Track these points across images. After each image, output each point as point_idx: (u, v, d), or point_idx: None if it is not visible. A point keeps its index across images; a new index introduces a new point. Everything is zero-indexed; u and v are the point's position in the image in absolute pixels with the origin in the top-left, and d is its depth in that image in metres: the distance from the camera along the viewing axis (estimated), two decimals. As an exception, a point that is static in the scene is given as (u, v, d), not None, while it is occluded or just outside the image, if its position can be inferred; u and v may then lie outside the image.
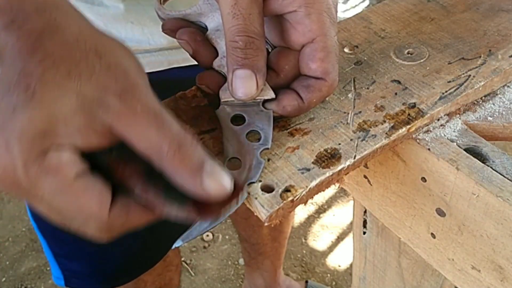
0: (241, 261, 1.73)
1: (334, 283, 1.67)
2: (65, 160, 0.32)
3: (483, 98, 0.47)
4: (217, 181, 0.33)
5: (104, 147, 0.33)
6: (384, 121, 0.42)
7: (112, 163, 0.34)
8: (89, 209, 0.33)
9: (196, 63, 0.44)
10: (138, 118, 0.32)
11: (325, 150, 0.40)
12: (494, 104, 0.46)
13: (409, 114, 0.43)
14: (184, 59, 0.72)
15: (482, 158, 0.41)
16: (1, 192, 1.96)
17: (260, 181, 0.38)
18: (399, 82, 0.46)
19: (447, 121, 0.44)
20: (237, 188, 0.35)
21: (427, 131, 0.43)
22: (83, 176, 0.33)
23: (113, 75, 0.33)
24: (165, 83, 0.71)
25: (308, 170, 0.39)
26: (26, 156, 0.31)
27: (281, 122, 0.43)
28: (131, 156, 0.33)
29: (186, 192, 0.33)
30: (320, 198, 1.92)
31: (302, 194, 0.37)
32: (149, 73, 0.80)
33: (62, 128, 0.31)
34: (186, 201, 0.33)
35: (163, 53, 0.72)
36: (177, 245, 0.36)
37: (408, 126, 0.42)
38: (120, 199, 0.34)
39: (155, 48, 0.71)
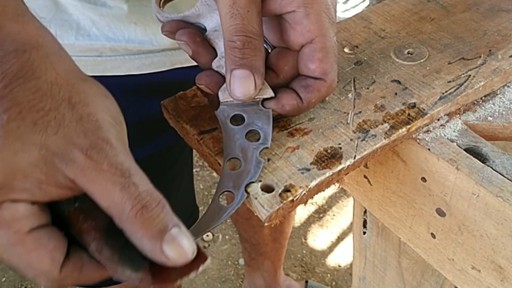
0: (241, 261, 1.73)
1: (334, 283, 1.67)
2: (19, 215, 0.31)
3: (483, 98, 0.47)
4: (179, 247, 0.32)
5: (67, 198, 0.33)
6: (384, 121, 0.42)
7: (72, 214, 0.33)
8: (39, 265, 0.32)
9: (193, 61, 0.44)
10: (102, 175, 0.31)
11: (325, 150, 0.40)
12: (494, 104, 0.46)
13: (409, 114, 0.43)
14: (187, 59, 0.72)
15: (482, 158, 0.40)
16: None
17: (260, 181, 0.38)
18: (399, 82, 0.46)
19: (447, 121, 0.44)
20: (201, 257, 0.33)
21: (427, 131, 0.43)
22: (37, 231, 0.32)
23: (82, 129, 0.32)
24: (168, 84, 0.71)
25: (308, 170, 0.39)
26: None
27: (281, 122, 0.43)
28: (93, 208, 0.32)
29: (144, 254, 0.32)
30: (320, 198, 1.92)
31: (302, 194, 0.37)
32: (152, 74, 0.80)
33: (20, 182, 0.31)
34: (142, 263, 0.32)
35: (166, 53, 0.72)
36: None
37: (408, 126, 0.42)
38: (74, 254, 0.33)
39: (158, 48, 0.71)
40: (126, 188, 0.31)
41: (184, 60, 0.73)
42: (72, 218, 0.33)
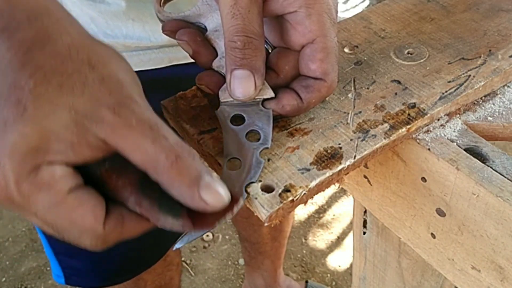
0: (241, 261, 1.73)
1: (334, 283, 1.67)
2: (58, 176, 0.32)
3: (483, 98, 0.47)
4: (215, 192, 0.33)
5: (98, 159, 0.33)
6: (384, 121, 0.42)
7: (105, 174, 0.34)
8: (83, 223, 0.33)
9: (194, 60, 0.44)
10: (133, 130, 0.32)
11: (325, 150, 0.40)
12: (494, 104, 0.46)
13: (409, 114, 0.43)
14: (185, 56, 0.72)
15: (482, 158, 0.41)
16: None
17: (260, 181, 0.38)
18: (399, 82, 0.46)
19: (447, 121, 0.44)
20: (233, 199, 0.34)
21: (427, 131, 0.43)
22: (77, 190, 0.32)
23: (107, 88, 0.32)
24: (166, 80, 0.71)
25: (308, 170, 0.39)
26: (17, 173, 0.30)
27: (281, 122, 0.43)
28: (125, 166, 0.33)
29: (182, 202, 0.33)
30: (320, 198, 1.92)
31: (302, 194, 0.37)
32: (150, 70, 0.80)
33: (54, 144, 0.31)
34: (180, 211, 0.33)
35: (164, 50, 0.73)
36: (177, 247, 0.36)
37: (408, 126, 0.42)
38: (114, 210, 0.34)
39: (156, 45, 0.71)
40: (158, 140, 0.32)
41: (182, 57, 0.73)
42: (105, 178, 0.34)
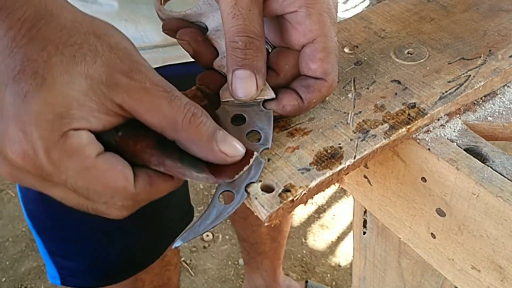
0: (241, 261, 1.73)
1: (334, 283, 1.67)
2: (85, 141, 0.33)
3: (483, 98, 0.47)
4: (231, 144, 0.35)
5: (114, 125, 0.34)
6: (384, 121, 0.42)
7: (120, 142, 0.35)
8: (115, 184, 0.34)
9: (190, 60, 0.44)
10: (148, 93, 0.33)
11: (325, 150, 0.40)
12: (494, 104, 0.47)
13: (409, 114, 0.43)
14: (179, 56, 0.73)
15: (482, 158, 0.41)
16: (2, 192, 1.96)
17: (260, 181, 0.38)
18: (399, 82, 0.46)
19: (447, 121, 0.44)
20: (248, 153, 0.36)
21: (427, 131, 0.43)
22: (104, 154, 0.34)
23: (117, 55, 0.34)
24: None
25: (308, 170, 0.39)
26: (46, 140, 0.31)
27: (281, 122, 0.43)
28: (138, 132, 0.35)
29: (203, 158, 0.35)
30: (320, 198, 1.92)
31: (302, 194, 0.37)
32: None
33: (77, 110, 0.32)
34: (202, 165, 0.35)
35: (158, 50, 0.73)
36: (176, 245, 0.36)
37: (408, 126, 0.42)
38: (140, 171, 0.35)
39: (149, 45, 0.71)
40: (173, 100, 0.34)
41: (176, 56, 0.73)
42: (121, 145, 0.35)
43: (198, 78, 0.43)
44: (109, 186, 0.34)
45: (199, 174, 0.35)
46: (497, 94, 0.48)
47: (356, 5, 2.84)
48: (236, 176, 0.36)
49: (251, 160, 0.36)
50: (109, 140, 0.35)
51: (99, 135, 0.34)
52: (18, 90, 0.31)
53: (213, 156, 0.35)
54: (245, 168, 0.36)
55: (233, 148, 0.35)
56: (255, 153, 0.37)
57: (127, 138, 0.35)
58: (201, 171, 0.35)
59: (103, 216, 0.37)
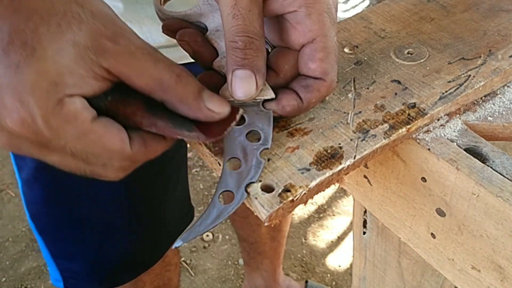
0: (241, 261, 1.73)
1: (334, 283, 1.67)
2: (80, 107, 0.33)
3: (483, 98, 0.47)
4: (217, 101, 0.36)
5: (102, 91, 0.35)
6: (384, 121, 0.42)
7: (110, 106, 0.36)
8: (112, 145, 0.35)
9: (193, 60, 0.44)
10: (134, 57, 0.34)
11: (325, 150, 0.40)
12: (494, 104, 0.47)
13: (409, 114, 0.43)
14: (182, 56, 0.73)
15: (482, 158, 0.41)
16: (2, 192, 1.96)
17: (260, 181, 0.38)
18: (399, 82, 0.46)
19: (447, 121, 0.44)
20: (233, 110, 0.38)
21: (427, 131, 0.43)
22: (99, 119, 0.34)
23: (100, 22, 0.34)
24: None
25: (308, 170, 0.39)
26: (43, 108, 0.32)
27: (281, 122, 0.43)
28: (126, 95, 0.35)
29: (191, 116, 0.36)
30: (320, 198, 1.92)
31: (302, 194, 0.37)
32: None
33: (69, 77, 0.33)
34: (192, 124, 0.36)
35: (162, 51, 0.72)
36: (177, 245, 0.36)
37: (408, 126, 0.42)
38: (134, 133, 0.36)
39: (153, 46, 0.71)
40: (158, 62, 0.35)
41: (179, 57, 0.73)
42: (111, 109, 0.36)
43: (198, 78, 0.43)
44: (107, 149, 0.35)
45: (190, 132, 0.36)
46: (497, 94, 0.48)
47: (356, 5, 2.84)
48: (225, 133, 0.37)
49: (237, 116, 0.37)
50: (99, 105, 0.35)
51: (90, 101, 0.35)
52: (9, 61, 0.32)
53: (201, 114, 0.36)
54: (232, 124, 0.37)
55: (220, 104, 0.36)
56: (241, 109, 0.38)
57: (117, 102, 0.36)
58: (191, 129, 0.36)
59: (100, 179, 0.38)
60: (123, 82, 0.35)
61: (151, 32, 0.70)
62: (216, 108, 0.36)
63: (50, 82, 0.32)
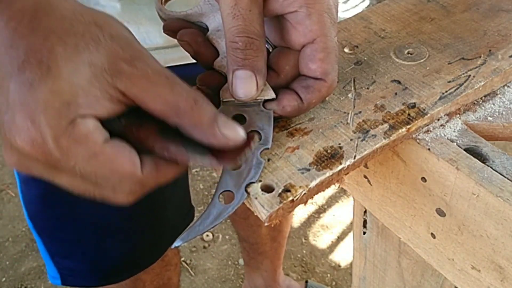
0: (241, 261, 1.73)
1: (334, 283, 1.67)
2: (92, 128, 0.33)
3: (483, 98, 0.47)
4: (232, 128, 0.36)
5: (116, 114, 0.35)
6: (384, 121, 0.42)
7: (124, 129, 0.35)
8: (123, 169, 0.34)
9: (192, 61, 0.44)
10: (150, 80, 0.34)
11: (325, 150, 0.40)
12: (494, 104, 0.47)
13: (409, 114, 0.43)
14: (180, 57, 0.73)
15: (482, 158, 0.41)
16: (2, 192, 1.96)
17: (260, 181, 0.38)
18: (399, 82, 0.46)
19: (447, 121, 0.44)
20: (249, 137, 0.37)
21: (427, 131, 0.43)
22: (111, 141, 0.34)
23: (118, 44, 0.34)
24: None
25: (308, 170, 0.39)
26: (55, 128, 0.32)
27: (281, 122, 0.43)
28: (140, 119, 0.35)
29: (205, 143, 0.35)
30: (320, 198, 1.92)
31: (302, 194, 0.37)
32: None
33: (83, 98, 0.32)
34: (205, 150, 0.36)
35: (160, 52, 0.73)
36: (176, 245, 0.36)
37: (408, 126, 0.42)
38: (146, 157, 0.36)
39: (151, 47, 0.71)
40: (175, 87, 0.35)
41: (177, 58, 0.73)
42: (125, 132, 0.35)
43: (199, 79, 0.43)
44: (117, 171, 0.34)
45: (202, 158, 0.36)
46: (497, 94, 0.48)
47: (356, 5, 2.84)
48: (238, 160, 0.36)
49: (252, 144, 0.37)
50: (112, 128, 0.35)
51: (103, 123, 0.35)
52: (23, 79, 0.32)
53: (215, 140, 0.35)
54: (247, 151, 0.37)
55: (234, 131, 0.36)
56: (256, 136, 0.38)
57: (130, 125, 0.35)
58: (204, 155, 0.36)
59: (109, 203, 0.37)
60: (137, 106, 0.35)
61: (149, 33, 0.70)
62: (231, 135, 0.36)
63: (63, 102, 0.32)
